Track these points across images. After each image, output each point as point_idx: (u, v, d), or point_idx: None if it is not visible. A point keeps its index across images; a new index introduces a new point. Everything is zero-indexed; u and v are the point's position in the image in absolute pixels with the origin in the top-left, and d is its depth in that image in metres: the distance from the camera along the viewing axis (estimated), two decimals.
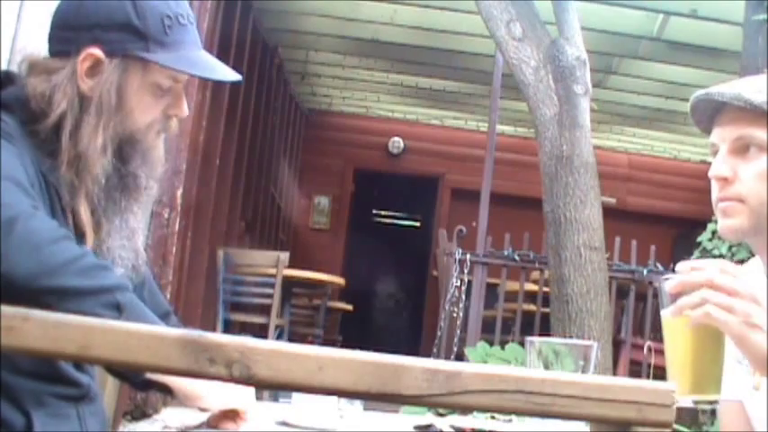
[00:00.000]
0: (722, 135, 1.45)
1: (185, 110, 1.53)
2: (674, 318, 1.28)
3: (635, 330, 5.63)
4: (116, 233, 1.47)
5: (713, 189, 1.46)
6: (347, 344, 7.32)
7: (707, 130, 1.50)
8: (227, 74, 1.57)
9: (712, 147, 1.47)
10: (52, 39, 1.48)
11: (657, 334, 5.96)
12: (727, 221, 1.44)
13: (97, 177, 1.42)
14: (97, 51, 1.43)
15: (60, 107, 1.41)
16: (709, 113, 1.48)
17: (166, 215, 4.46)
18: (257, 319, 5.79)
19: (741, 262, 1.60)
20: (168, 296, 4.34)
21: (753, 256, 1.54)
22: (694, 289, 1.25)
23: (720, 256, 4.21)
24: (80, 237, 1.42)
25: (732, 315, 1.23)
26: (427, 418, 1.80)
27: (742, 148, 1.42)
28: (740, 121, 1.42)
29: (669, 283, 1.28)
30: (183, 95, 1.53)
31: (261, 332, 5.70)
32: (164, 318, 1.66)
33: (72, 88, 1.42)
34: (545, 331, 4.67)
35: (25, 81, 1.44)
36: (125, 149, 1.46)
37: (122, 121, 1.45)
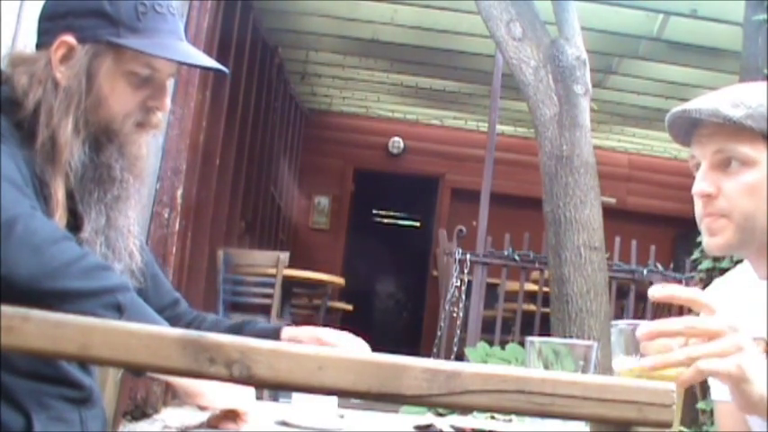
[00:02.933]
0: (702, 150, 1.44)
1: (166, 103, 1.50)
2: (636, 368, 1.17)
3: None
4: (98, 229, 1.43)
5: (696, 205, 1.44)
6: None
7: (684, 144, 1.49)
8: (204, 61, 1.54)
9: (692, 159, 1.46)
10: (37, 32, 1.49)
11: None
12: (714, 240, 1.43)
13: (68, 162, 1.40)
14: (70, 38, 1.43)
15: (36, 96, 1.41)
16: (686, 128, 1.47)
17: (166, 215, 4.46)
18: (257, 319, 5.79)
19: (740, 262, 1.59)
20: None
21: None
22: (668, 335, 1.16)
23: (721, 256, 4.21)
24: (74, 231, 1.41)
25: (725, 361, 1.13)
26: (427, 418, 1.80)
27: (723, 163, 1.41)
28: (719, 136, 1.41)
29: (640, 330, 1.16)
30: (167, 88, 1.50)
31: None
32: (173, 305, 1.65)
33: (47, 77, 1.43)
34: (545, 331, 4.67)
35: (10, 77, 1.44)
36: (100, 140, 1.45)
37: (96, 109, 1.43)
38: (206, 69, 1.60)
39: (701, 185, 1.42)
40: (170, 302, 1.66)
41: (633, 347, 1.20)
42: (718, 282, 1.62)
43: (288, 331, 1.56)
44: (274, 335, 1.55)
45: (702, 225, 1.44)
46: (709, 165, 1.42)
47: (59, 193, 1.40)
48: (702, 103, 1.42)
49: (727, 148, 1.40)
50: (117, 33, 1.43)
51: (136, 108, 1.46)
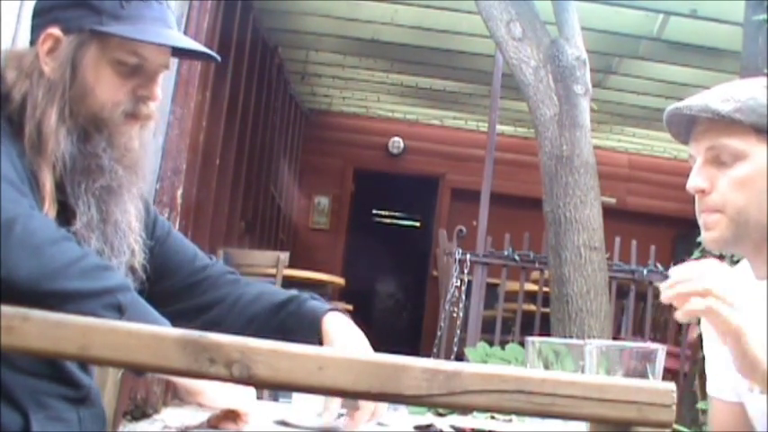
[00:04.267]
0: (697, 147, 1.46)
1: (156, 92, 1.48)
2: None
3: (635, 330, 5.63)
4: (91, 222, 1.42)
5: (696, 202, 1.47)
6: None
7: (685, 142, 1.51)
8: (190, 45, 1.52)
9: (691, 158, 1.48)
10: (30, 31, 1.50)
11: (657, 334, 5.96)
12: (709, 234, 1.46)
13: (55, 153, 1.40)
14: (55, 31, 1.44)
15: (23, 89, 1.42)
16: (685, 126, 1.49)
17: (166, 215, 4.46)
18: None
19: (737, 262, 1.61)
20: None
21: None
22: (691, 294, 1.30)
23: (720, 256, 4.21)
24: (65, 224, 1.40)
25: (698, 302, 1.30)
26: (427, 418, 1.80)
27: (716, 158, 1.43)
28: (711, 132, 1.43)
29: (666, 293, 1.33)
30: (157, 77, 1.49)
31: None
32: (201, 270, 1.65)
33: (34, 70, 1.43)
34: (545, 331, 4.67)
35: (3, 75, 1.44)
36: (89, 130, 1.44)
37: (82, 98, 1.43)
38: (195, 56, 1.58)
39: (694, 181, 1.44)
40: (201, 267, 1.65)
41: (605, 367, 1.23)
42: None
43: (329, 326, 1.56)
44: (316, 325, 1.55)
45: (700, 221, 1.47)
46: (704, 160, 1.44)
47: (47, 185, 1.39)
48: (694, 100, 1.44)
49: (719, 144, 1.42)
50: (100, 21, 1.43)
51: (124, 97, 1.45)
